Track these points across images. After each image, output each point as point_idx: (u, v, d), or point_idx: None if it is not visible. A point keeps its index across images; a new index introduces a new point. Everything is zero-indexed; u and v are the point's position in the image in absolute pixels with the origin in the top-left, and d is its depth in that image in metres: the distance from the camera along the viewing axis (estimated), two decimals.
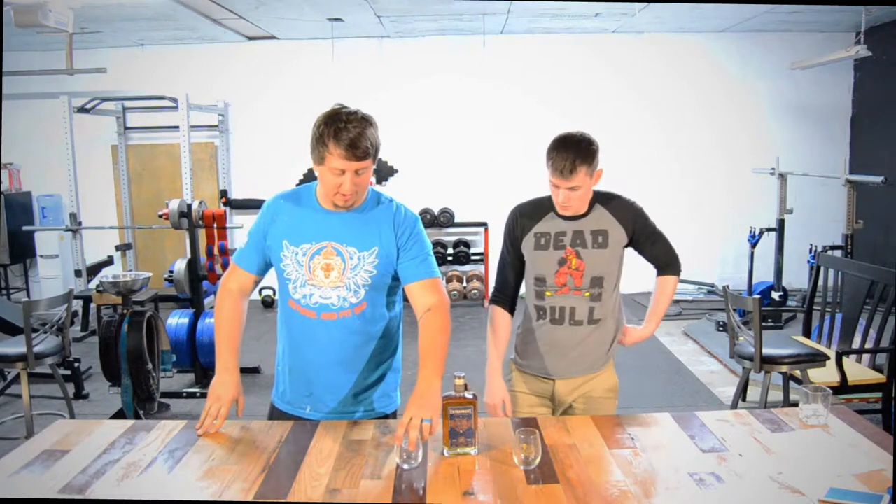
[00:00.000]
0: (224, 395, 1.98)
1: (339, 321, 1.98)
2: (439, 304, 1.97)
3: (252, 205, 7.51)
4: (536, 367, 2.27)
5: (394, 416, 2.15)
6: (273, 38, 7.52)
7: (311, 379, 2.06)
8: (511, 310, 2.33)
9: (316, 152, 1.88)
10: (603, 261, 2.19)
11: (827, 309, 4.12)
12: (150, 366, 4.21)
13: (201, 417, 1.97)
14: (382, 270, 1.99)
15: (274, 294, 7.10)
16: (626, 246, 2.25)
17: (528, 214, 2.24)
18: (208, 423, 1.96)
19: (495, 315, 2.30)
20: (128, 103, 7.52)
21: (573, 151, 2.08)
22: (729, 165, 7.68)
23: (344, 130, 1.82)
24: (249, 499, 1.64)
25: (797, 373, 3.56)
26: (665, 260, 2.32)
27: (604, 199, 2.23)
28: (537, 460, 1.75)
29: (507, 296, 2.31)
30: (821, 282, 4.39)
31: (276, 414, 2.14)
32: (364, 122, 1.87)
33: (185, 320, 4.84)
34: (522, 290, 2.32)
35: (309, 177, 7.68)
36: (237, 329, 2.05)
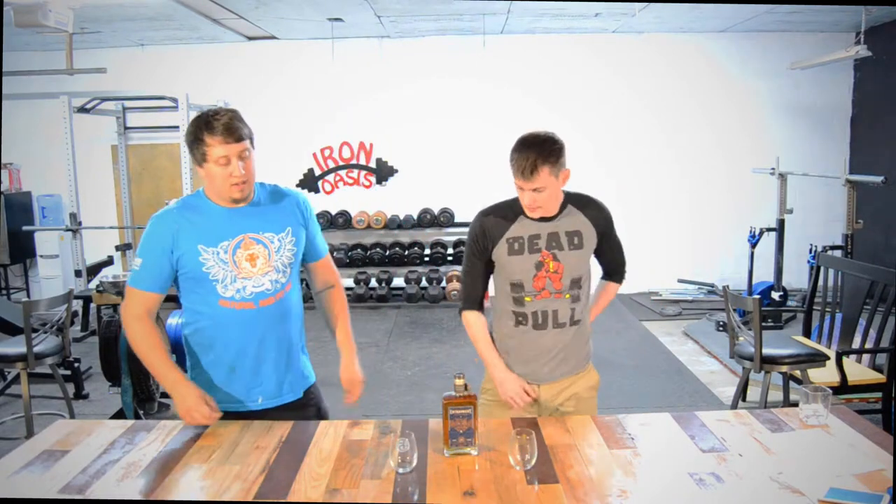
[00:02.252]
0: (195, 402, 1.97)
1: (276, 304, 2.08)
2: (339, 279, 2.32)
3: None
4: (519, 373, 2.22)
5: (314, 385, 2.26)
6: (273, 38, 7.52)
7: (261, 368, 2.09)
8: (483, 312, 2.29)
9: (197, 153, 1.97)
10: (581, 262, 2.17)
11: (827, 309, 4.12)
12: None
13: (196, 423, 1.98)
14: (298, 248, 2.14)
15: None
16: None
17: (497, 221, 2.17)
18: (207, 421, 1.98)
19: (474, 319, 2.26)
20: (128, 103, 7.51)
21: (535, 151, 2.02)
22: (729, 165, 7.68)
23: (214, 120, 1.95)
24: (249, 499, 1.64)
25: (797, 373, 3.56)
26: (616, 267, 2.35)
27: (576, 200, 2.20)
28: (533, 461, 1.75)
29: (477, 301, 2.26)
30: (821, 282, 4.38)
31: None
32: (230, 111, 2.00)
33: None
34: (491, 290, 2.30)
35: (308, 177, 7.69)
36: (165, 350, 2.06)
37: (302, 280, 2.25)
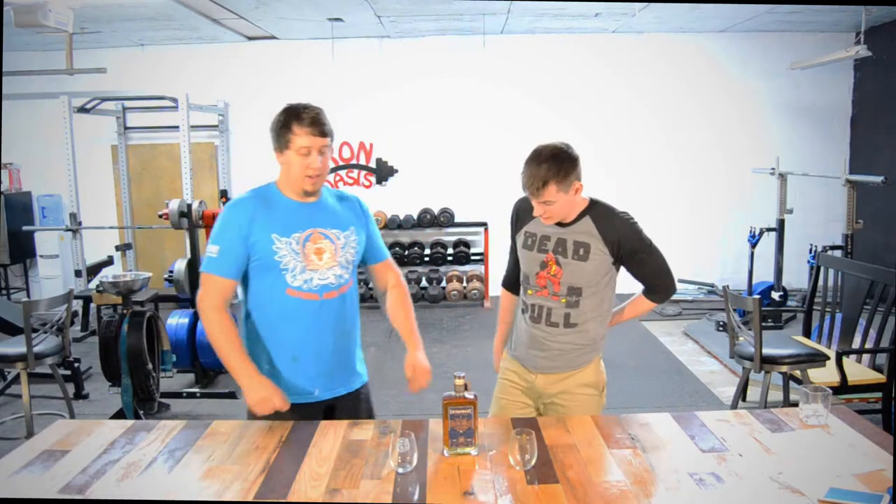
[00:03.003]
0: (269, 393, 2.02)
1: (339, 298, 2.14)
2: (400, 280, 2.36)
3: None
4: (522, 357, 2.32)
5: (367, 384, 2.31)
6: (273, 38, 7.52)
7: (320, 359, 2.14)
8: (517, 291, 2.38)
9: (281, 140, 2.06)
10: (582, 273, 2.16)
11: (827, 309, 4.12)
12: (150, 366, 4.21)
13: (267, 412, 2.02)
14: (360, 247, 2.21)
15: None
16: (616, 264, 2.19)
17: (525, 211, 2.24)
18: (281, 408, 2.03)
19: (502, 297, 2.47)
20: (128, 103, 7.51)
21: (543, 168, 2.04)
22: (729, 165, 7.68)
23: (304, 112, 2.05)
24: (249, 499, 1.64)
25: (797, 373, 3.56)
26: (650, 286, 2.29)
27: (596, 211, 2.17)
28: (533, 461, 1.75)
29: (512, 277, 2.40)
30: (821, 282, 4.38)
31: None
32: (317, 107, 2.09)
33: (185, 320, 4.83)
34: None
35: None
36: (241, 342, 2.11)
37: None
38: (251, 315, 2.15)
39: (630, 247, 2.16)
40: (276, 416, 2.05)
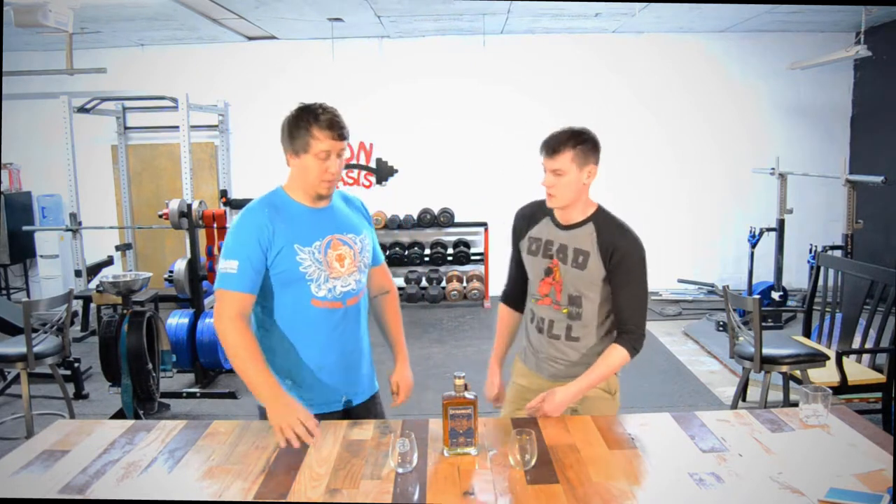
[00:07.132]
0: (294, 419, 1.87)
1: (359, 303, 2.11)
2: (395, 287, 2.35)
3: None
4: (532, 364, 2.30)
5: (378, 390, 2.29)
6: (273, 38, 7.52)
7: (346, 366, 2.11)
8: (517, 306, 2.36)
9: (297, 143, 1.96)
10: (580, 281, 2.11)
11: (827, 309, 4.12)
12: (150, 366, 4.21)
13: (289, 444, 1.86)
14: (370, 250, 2.17)
15: None
16: (606, 279, 2.10)
17: (527, 217, 2.24)
18: (306, 440, 1.88)
19: (500, 312, 2.40)
20: (128, 103, 7.51)
21: (564, 134, 2.06)
22: (729, 165, 7.68)
23: (322, 114, 1.95)
24: (249, 499, 1.64)
25: (797, 373, 3.56)
26: (625, 320, 2.12)
27: (602, 220, 2.12)
28: (533, 461, 1.75)
29: (512, 292, 2.36)
30: (821, 282, 4.38)
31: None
32: (333, 107, 1.99)
33: (185, 320, 4.83)
34: None
35: None
36: (263, 360, 1.95)
37: None
38: (273, 328, 2.04)
39: (622, 265, 2.07)
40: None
